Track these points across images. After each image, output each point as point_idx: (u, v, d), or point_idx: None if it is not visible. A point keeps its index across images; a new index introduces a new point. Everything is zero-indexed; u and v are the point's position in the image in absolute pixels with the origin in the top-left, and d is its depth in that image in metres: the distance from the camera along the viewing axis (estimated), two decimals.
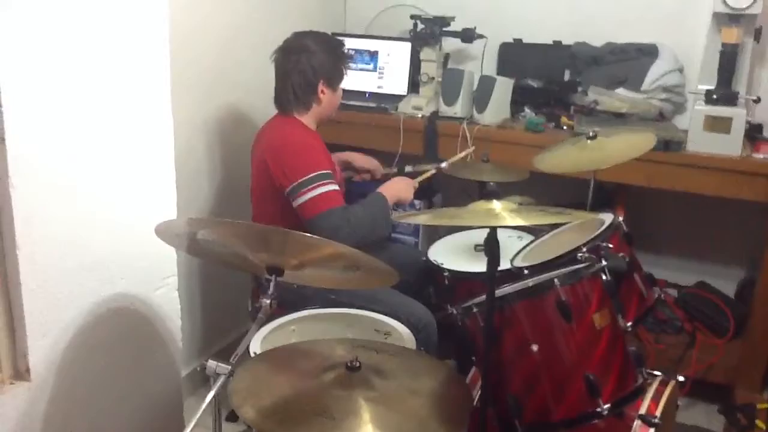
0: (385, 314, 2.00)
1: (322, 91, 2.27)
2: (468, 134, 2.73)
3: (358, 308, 2.03)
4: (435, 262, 2.32)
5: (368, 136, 2.88)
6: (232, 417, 2.26)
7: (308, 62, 2.24)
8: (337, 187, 2.16)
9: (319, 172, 2.13)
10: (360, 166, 2.65)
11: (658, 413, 1.68)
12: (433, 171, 2.48)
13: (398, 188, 2.31)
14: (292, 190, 2.13)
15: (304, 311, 2.01)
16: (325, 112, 2.33)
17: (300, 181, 2.11)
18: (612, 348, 1.63)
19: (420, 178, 2.42)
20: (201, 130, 2.54)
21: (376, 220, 2.16)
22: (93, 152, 1.71)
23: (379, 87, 3.11)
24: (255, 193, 2.34)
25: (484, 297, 1.58)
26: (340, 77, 2.32)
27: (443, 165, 2.49)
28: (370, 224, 2.14)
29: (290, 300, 2.03)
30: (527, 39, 3.07)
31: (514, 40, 3.08)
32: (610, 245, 1.84)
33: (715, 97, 2.50)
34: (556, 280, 1.60)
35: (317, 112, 2.30)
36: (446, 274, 2.25)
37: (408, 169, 2.58)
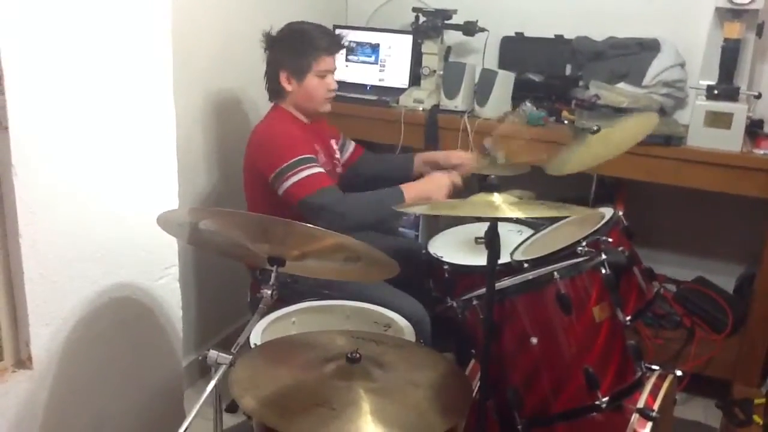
0: None
1: (288, 81, 2.25)
2: (469, 127, 2.73)
3: None
4: (435, 255, 2.32)
5: (369, 130, 2.88)
6: (233, 407, 2.28)
7: (271, 51, 2.26)
8: (322, 170, 2.15)
9: (301, 157, 2.12)
10: (447, 164, 2.42)
11: (655, 407, 1.68)
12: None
13: (428, 188, 2.20)
14: (275, 178, 2.12)
15: (305, 303, 2.02)
16: (303, 103, 2.29)
17: (282, 167, 2.10)
18: (611, 341, 1.64)
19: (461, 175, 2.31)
20: (203, 121, 2.54)
21: (376, 205, 2.12)
22: (95, 142, 1.71)
23: (380, 80, 3.10)
24: (246, 188, 2.34)
25: (484, 290, 1.58)
26: (306, 68, 2.24)
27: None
28: (366, 208, 2.12)
29: (283, 295, 2.03)
30: (529, 33, 3.06)
31: (516, 33, 3.08)
32: (610, 239, 1.85)
33: (716, 92, 2.50)
34: (556, 273, 1.61)
35: (292, 102, 2.29)
36: (446, 267, 2.25)
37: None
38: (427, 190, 2.19)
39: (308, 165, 2.12)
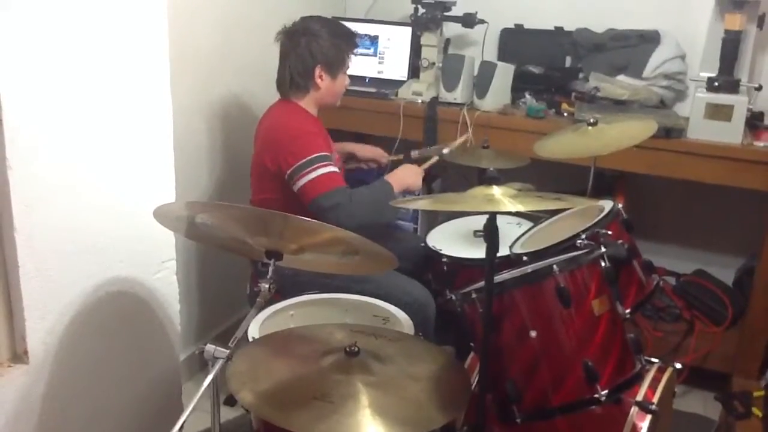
0: (382, 295, 2.00)
1: (320, 77, 2.25)
2: (468, 120, 2.72)
3: (354, 291, 2.02)
4: (434, 248, 2.31)
5: (368, 122, 2.87)
6: (231, 401, 2.27)
7: (307, 47, 2.23)
8: (336, 169, 2.15)
9: (318, 155, 2.13)
10: (363, 157, 2.64)
11: (655, 400, 1.68)
12: (437, 158, 2.47)
13: (406, 176, 2.30)
14: (292, 174, 2.13)
15: (303, 296, 2.01)
16: (326, 98, 2.31)
17: (299, 164, 2.11)
18: (611, 335, 1.63)
19: (425, 165, 2.41)
20: (200, 115, 2.53)
21: (379, 203, 2.15)
22: (92, 135, 1.70)
23: (379, 72, 3.09)
24: (254, 180, 2.33)
25: (483, 283, 1.58)
26: (342, 65, 2.29)
27: (445, 151, 2.48)
28: (372, 206, 2.14)
29: (285, 285, 2.02)
30: (528, 25, 3.05)
31: (516, 25, 3.07)
32: (610, 232, 1.84)
33: (716, 84, 2.49)
34: (555, 266, 1.60)
35: (316, 97, 2.29)
36: (445, 260, 2.25)
37: (414, 154, 2.57)
38: (407, 180, 2.29)
39: (324, 163, 2.12)
